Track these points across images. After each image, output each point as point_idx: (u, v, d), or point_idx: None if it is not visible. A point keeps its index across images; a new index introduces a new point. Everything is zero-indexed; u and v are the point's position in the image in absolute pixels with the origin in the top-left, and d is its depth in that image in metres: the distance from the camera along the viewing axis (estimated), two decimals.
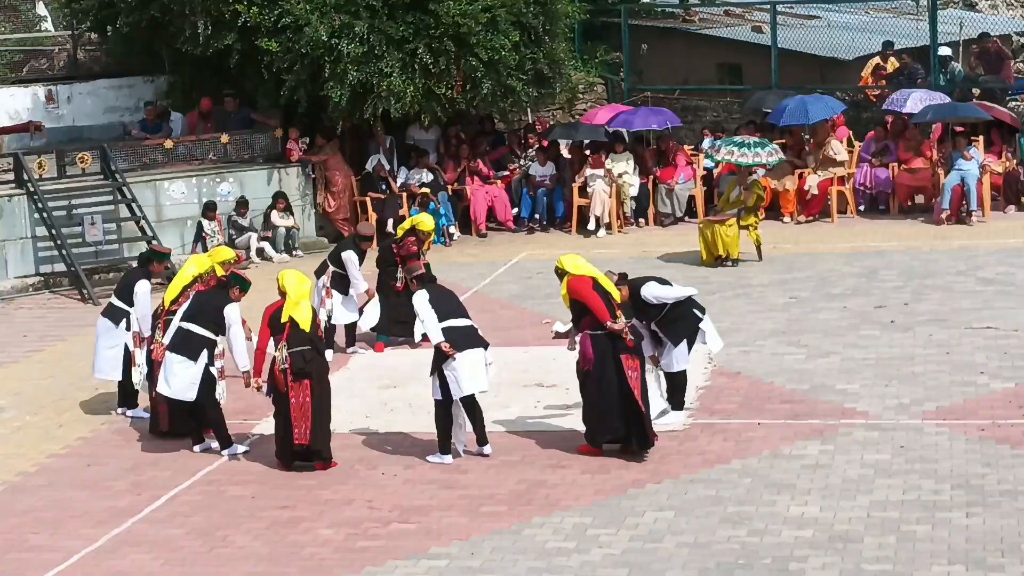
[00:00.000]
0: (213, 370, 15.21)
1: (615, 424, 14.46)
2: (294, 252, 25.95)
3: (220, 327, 15.22)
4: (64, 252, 24.04)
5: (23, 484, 14.88)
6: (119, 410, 16.90)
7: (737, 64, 32.44)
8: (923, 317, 19.30)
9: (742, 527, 12.58)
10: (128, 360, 16.53)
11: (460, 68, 25.50)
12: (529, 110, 30.02)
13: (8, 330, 21.71)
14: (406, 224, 19.74)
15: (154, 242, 20.68)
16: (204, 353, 15.15)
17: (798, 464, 14.06)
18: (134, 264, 19.03)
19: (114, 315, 16.69)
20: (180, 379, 15.13)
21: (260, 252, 25.59)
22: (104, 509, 13.99)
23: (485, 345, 14.78)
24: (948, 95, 27.76)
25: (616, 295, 14.66)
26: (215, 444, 15.39)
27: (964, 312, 19.39)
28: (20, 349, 20.53)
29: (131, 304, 16.52)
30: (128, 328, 16.53)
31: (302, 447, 14.62)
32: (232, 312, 15.28)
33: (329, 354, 18.12)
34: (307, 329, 14.66)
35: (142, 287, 16.57)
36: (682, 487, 13.65)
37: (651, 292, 15.13)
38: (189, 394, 15.15)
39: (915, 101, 26.66)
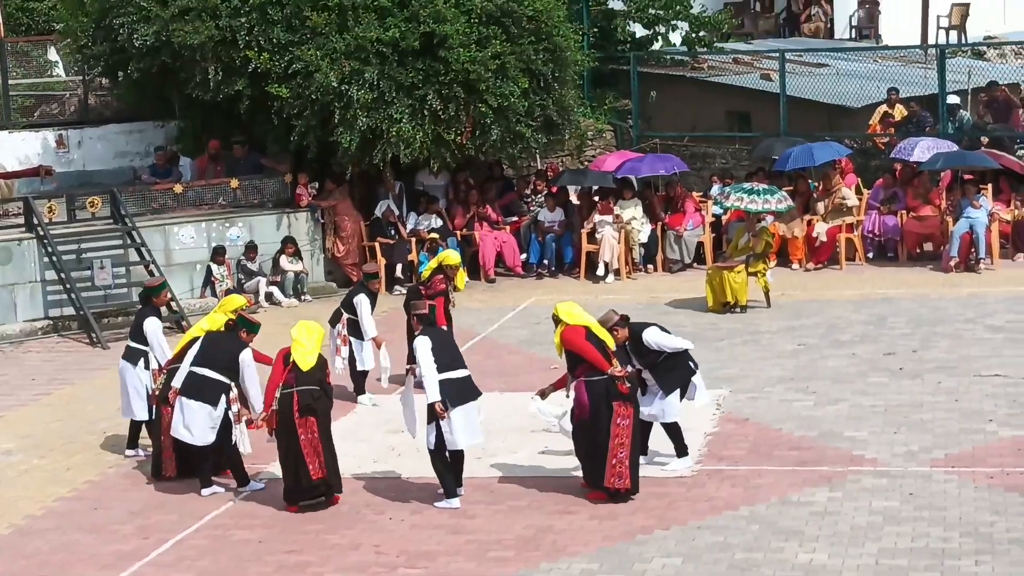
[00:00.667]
0: (231, 413, 15.28)
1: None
2: (303, 297, 25.98)
3: (234, 372, 15.29)
4: (73, 296, 24.07)
5: (30, 527, 14.87)
6: (128, 452, 17.04)
7: (746, 111, 32.53)
8: (932, 364, 19.28)
9: (750, 574, 12.54)
10: (150, 398, 16.72)
11: (469, 114, 25.58)
12: (538, 156, 30.11)
13: (17, 373, 21.73)
14: (432, 264, 19.76)
15: (146, 280, 20.83)
16: (223, 398, 15.22)
17: (806, 511, 14.02)
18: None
19: (131, 356, 16.96)
20: (200, 424, 15.21)
21: (269, 296, 25.62)
22: (111, 553, 13.97)
23: (478, 396, 14.85)
24: (956, 143, 27.81)
25: (610, 342, 14.66)
26: (221, 489, 15.39)
27: (973, 360, 19.37)
28: (29, 392, 20.54)
29: (145, 343, 16.90)
30: (147, 367, 16.82)
31: (321, 480, 14.66)
32: (246, 357, 15.45)
33: (366, 399, 18.65)
34: (307, 370, 14.71)
35: (151, 324, 16.94)
36: (690, 533, 13.61)
37: (652, 338, 15.14)
38: (209, 438, 15.24)
39: (922, 150, 26.70)
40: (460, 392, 14.67)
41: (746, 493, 14.62)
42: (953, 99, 29.44)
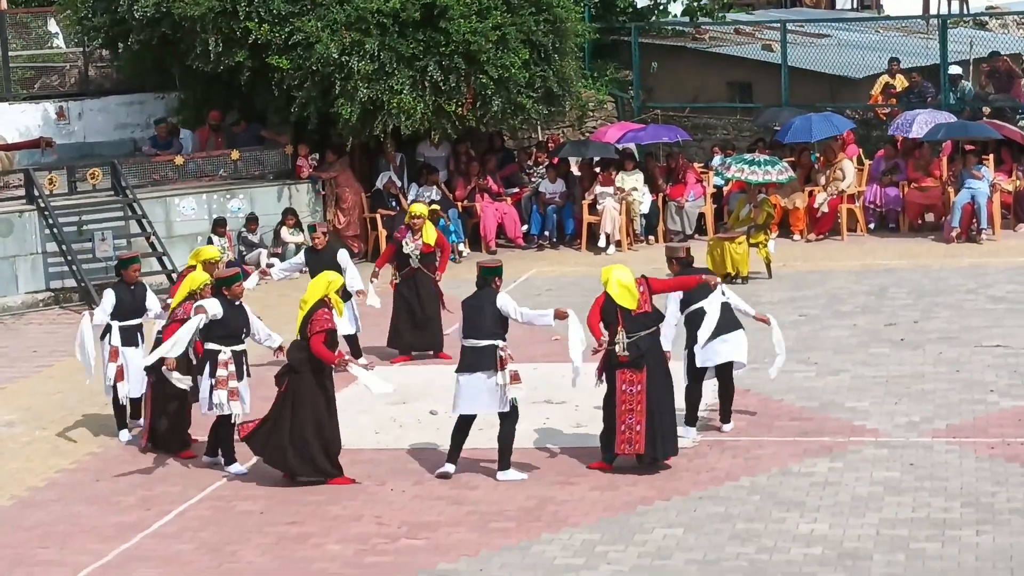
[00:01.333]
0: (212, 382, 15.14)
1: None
2: (303, 269, 25.90)
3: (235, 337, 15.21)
4: (74, 268, 24.09)
5: (32, 499, 14.89)
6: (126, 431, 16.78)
7: (747, 82, 32.48)
8: (933, 335, 19.29)
9: (751, 544, 12.56)
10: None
11: (470, 85, 25.55)
12: (539, 127, 30.07)
13: (18, 345, 21.75)
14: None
15: (119, 252, 20.38)
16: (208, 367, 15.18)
17: (807, 482, 14.04)
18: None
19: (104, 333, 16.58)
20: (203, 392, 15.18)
21: (270, 268, 25.58)
22: (113, 524, 13.99)
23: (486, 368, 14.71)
24: (958, 114, 27.79)
25: (631, 304, 14.62)
26: (244, 469, 15.30)
27: (974, 330, 19.38)
28: (30, 364, 20.56)
29: (121, 319, 16.48)
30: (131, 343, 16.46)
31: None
32: (257, 324, 15.50)
33: (362, 361, 18.32)
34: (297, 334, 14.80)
35: (105, 295, 16.63)
36: (691, 504, 13.63)
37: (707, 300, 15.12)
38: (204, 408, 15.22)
39: (921, 124, 26.64)
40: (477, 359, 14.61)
41: (747, 464, 14.64)
42: (955, 69, 29.41)
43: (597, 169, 27.44)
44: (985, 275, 22.65)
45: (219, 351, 15.06)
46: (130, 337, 16.53)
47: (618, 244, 26.51)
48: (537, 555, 12.62)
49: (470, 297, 14.90)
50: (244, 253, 25.66)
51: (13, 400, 18.69)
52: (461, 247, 26.73)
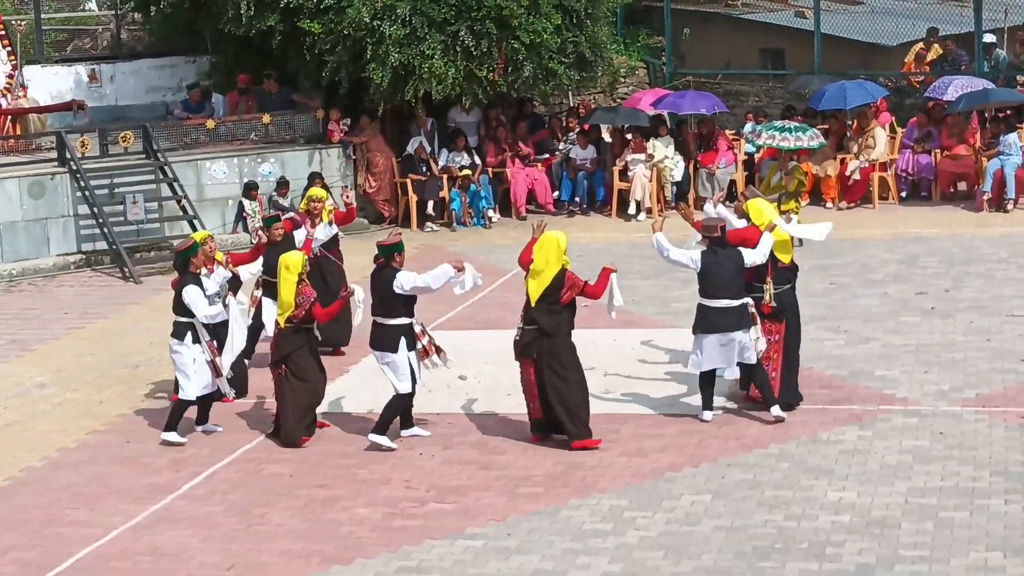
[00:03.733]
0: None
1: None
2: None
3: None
4: (106, 230, 24.15)
5: (63, 460, 14.99)
6: (198, 428, 15.62)
7: (780, 49, 32.33)
8: (964, 304, 19.22)
9: (779, 511, 12.57)
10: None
11: (502, 51, 25.48)
12: (570, 93, 30.00)
13: (50, 307, 21.84)
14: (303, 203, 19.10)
15: (176, 243, 18.42)
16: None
17: (836, 449, 14.03)
18: (175, 243, 18.97)
19: (177, 331, 15.23)
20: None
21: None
22: (143, 485, 14.07)
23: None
24: (992, 82, 27.60)
25: (788, 258, 15.20)
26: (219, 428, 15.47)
27: (1005, 299, 19.30)
28: (61, 326, 20.64)
29: (189, 315, 15.11)
30: (195, 340, 15.14)
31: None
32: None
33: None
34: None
35: (188, 292, 15.10)
36: (719, 471, 13.63)
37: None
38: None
39: (957, 88, 26.52)
40: None
41: (776, 431, 14.63)
42: (989, 37, 29.20)
43: (628, 135, 27.35)
44: (1017, 244, 22.52)
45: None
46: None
47: (648, 211, 26.44)
48: (565, 520, 12.65)
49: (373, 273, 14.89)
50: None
51: (44, 362, 18.78)
52: (491, 212, 26.70)
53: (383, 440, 14.64)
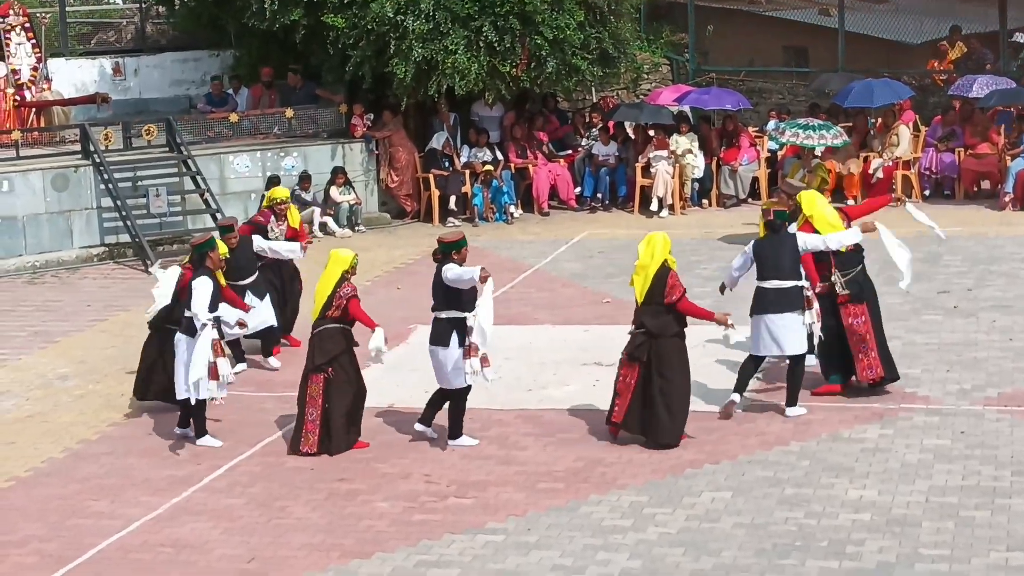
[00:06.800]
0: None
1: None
2: (356, 228, 26.00)
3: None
4: (129, 223, 24.20)
5: (85, 451, 15.03)
6: (178, 430, 15.34)
7: (803, 47, 32.32)
8: (986, 303, 19.17)
9: (799, 509, 12.55)
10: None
11: (525, 46, 25.48)
12: (593, 89, 29.99)
13: (72, 299, 21.90)
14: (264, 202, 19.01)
15: (195, 236, 17.85)
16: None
17: (857, 448, 14.01)
18: (196, 236, 18.76)
19: (188, 328, 14.87)
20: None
21: (323, 227, 25.67)
22: (164, 477, 14.10)
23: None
24: (1017, 81, 27.53)
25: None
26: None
27: None
28: (84, 318, 20.70)
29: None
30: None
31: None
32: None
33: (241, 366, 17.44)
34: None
35: (198, 284, 14.82)
36: (740, 468, 13.62)
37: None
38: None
39: (981, 86, 26.47)
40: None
41: (796, 429, 14.61)
42: (1018, 37, 29.12)
43: (651, 132, 27.33)
44: None
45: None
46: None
47: (671, 208, 26.43)
48: (585, 516, 12.65)
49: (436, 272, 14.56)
50: (298, 211, 25.64)
51: (67, 353, 18.84)
52: (513, 208, 26.70)
53: (464, 441, 14.57)
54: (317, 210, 25.75)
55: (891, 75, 28.60)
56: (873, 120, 27.35)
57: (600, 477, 13.57)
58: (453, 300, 14.30)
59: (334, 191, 25.99)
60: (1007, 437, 14.09)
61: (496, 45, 25.21)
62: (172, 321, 15.41)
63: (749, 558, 11.61)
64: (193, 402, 14.75)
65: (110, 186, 24.35)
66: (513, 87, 26.03)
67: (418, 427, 14.85)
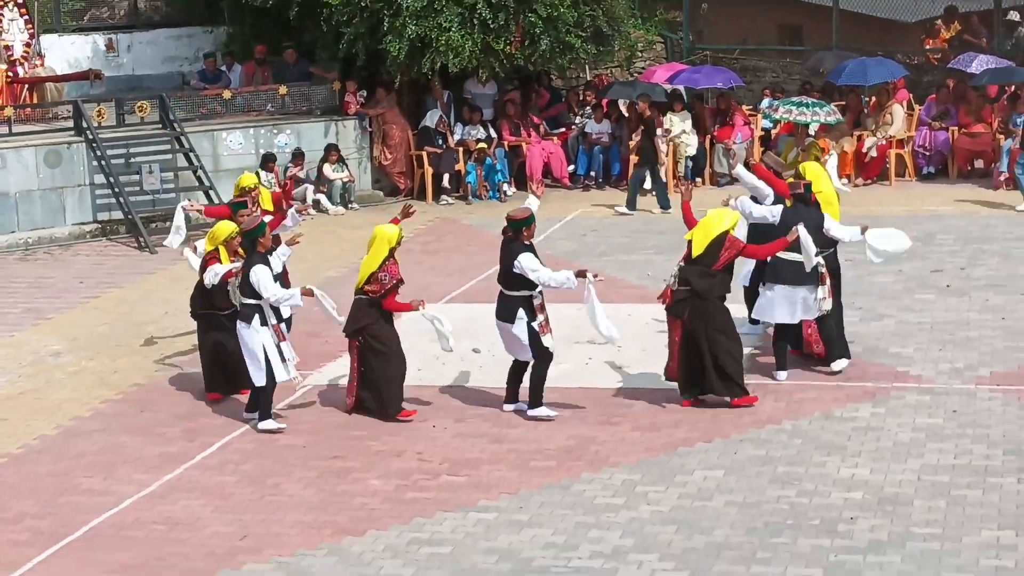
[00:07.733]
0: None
1: None
2: (350, 205, 25.97)
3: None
4: (121, 200, 24.17)
5: (77, 428, 15.03)
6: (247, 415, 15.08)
7: (798, 25, 32.26)
8: (979, 282, 19.19)
9: (791, 487, 12.57)
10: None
11: (519, 24, 25.44)
12: (587, 67, 29.94)
13: (65, 276, 21.87)
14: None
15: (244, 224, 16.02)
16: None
17: (849, 426, 14.02)
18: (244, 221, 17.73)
19: (244, 315, 14.59)
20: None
21: (316, 204, 25.63)
22: (156, 455, 14.11)
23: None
24: (1011, 60, 27.50)
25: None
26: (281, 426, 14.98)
27: (1020, 278, 19.26)
28: (77, 295, 20.68)
29: (256, 296, 14.42)
30: (264, 323, 14.48)
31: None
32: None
33: None
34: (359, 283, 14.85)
35: (257, 272, 14.42)
36: (732, 447, 13.64)
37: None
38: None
39: (980, 63, 26.47)
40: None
41: (789, 408, 14.63)
42: (1013, 15, 29.08)
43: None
44: None
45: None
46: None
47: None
48: (577, 494, 12.67)
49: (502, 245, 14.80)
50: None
51: (60, 330, 18.83)
52: (506, 186, 26.67)
53: (542, 412, 14.62)
54: (310, 187, 25.72)
55: (885, 54, 28.54)
56: (867, 99, 27.32)
57: (593, 455, 13.58)
58: (523, 281, 14.46)
59: (327, 168, 25.95)
60: (999, 416, 14.11)
61: (490, 22, 25.16)
62: (210, 307, 15.49)
63: (741, 536, 11.63)
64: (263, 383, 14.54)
65: (103, 163, 24.30)
66: (507, 64, 25.98)
67: (507, 407, 14.89)
